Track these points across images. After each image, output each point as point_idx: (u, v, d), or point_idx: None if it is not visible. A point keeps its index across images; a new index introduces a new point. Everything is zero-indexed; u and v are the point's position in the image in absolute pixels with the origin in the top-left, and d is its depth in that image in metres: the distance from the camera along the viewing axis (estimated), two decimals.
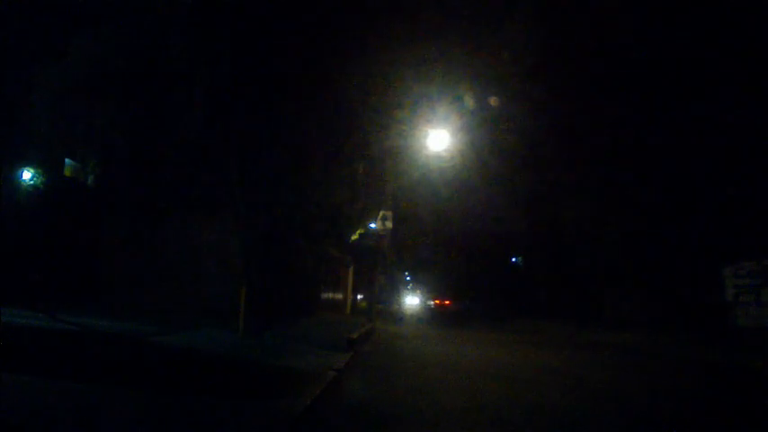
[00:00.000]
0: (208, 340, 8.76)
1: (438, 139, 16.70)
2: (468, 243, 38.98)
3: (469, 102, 16.72)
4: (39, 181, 12.02)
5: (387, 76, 14.43)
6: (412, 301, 59.24)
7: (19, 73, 10.64)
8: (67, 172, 12.85)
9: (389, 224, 19.82)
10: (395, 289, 52.58)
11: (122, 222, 12.76)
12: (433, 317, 32.69)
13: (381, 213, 19.84)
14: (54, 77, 10.86)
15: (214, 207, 12.40)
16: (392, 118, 16.15)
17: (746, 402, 6.68)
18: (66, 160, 12.73)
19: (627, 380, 8.37)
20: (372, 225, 21.56)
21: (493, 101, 17.36)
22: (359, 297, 30.20)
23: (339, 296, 24.26)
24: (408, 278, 64.19)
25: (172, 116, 12.09)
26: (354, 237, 22.55)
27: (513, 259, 40.34)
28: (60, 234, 11.95)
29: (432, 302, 54.12)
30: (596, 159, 23.27)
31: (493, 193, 28.33)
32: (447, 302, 47.86)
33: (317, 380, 6.02)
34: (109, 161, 12.85)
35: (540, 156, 24.37)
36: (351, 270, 27.11)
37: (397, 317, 30.28)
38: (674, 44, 17.99)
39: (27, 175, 11.93)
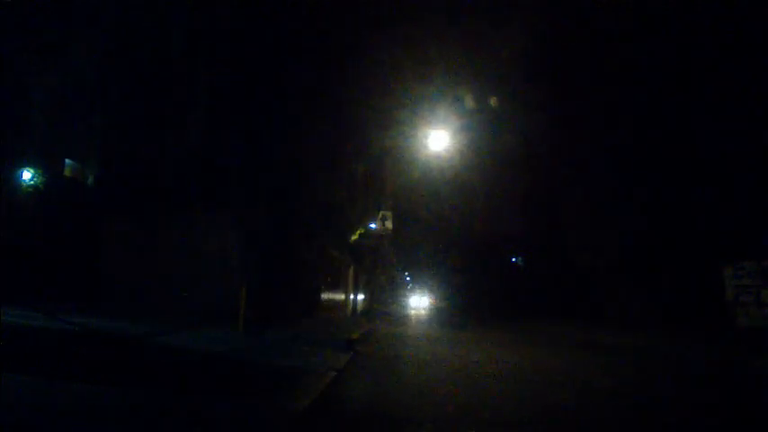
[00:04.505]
0: (208, 340, 8.75)
1: (438, 139, 16.70)
2: (468, 243, 39.00)
3: (469, 102, 16.74)
4: (39, 181, 12.01)
5: (387, 77, 14.45)
6: (415, 301, 59.38)
7: (19, 73, 10.63)
8: (67, 172, 12.83)
9: (389, 224, 19.83)
10: (395, 289, 52.65)
11: (122, 222, 12.74)
12: (433, 318, 32.67)
13: (381, 213, 19.86)
14: (54, 77, 10.86)
15: (214, 207, 12.39)
16: (392, 118, 16.17)
17: (746, 402, 6.67)
18: (66, 160, 12.72)
19: (628, 380, 8.36)
20: (372, 225, 21.56)
21: (493, 101, 17.38)
22: (359, 297, 30.17)
23: (339, 296, 24.23)
24: (408, 278, 64.20)
25: (172, 116, 12.09)
26: (354, 237, 22.55)
27: (513, 259, 40.30)
28: (60, 234, 11.94)
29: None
30: (596, 159, 23.27)
31: (493, 192, 28.37)
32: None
33: (318, 380, 6.01)
34: (109, 161, 12.83)
35: (540, 155, 24.39)
36: (351, 270, 27.08)
37: (398, 317, 30.25)
38: (675, 42, 17.99)
39: (27, 175, 11.93)
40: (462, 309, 38.82)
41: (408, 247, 36.23)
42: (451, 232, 36.61)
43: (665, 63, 19.02)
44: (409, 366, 8.83)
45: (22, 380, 4.43)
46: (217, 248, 12.50)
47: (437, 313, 39.70)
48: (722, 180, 18.47)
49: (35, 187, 11.96)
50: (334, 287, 22.59)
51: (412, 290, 68.39)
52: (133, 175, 12.51)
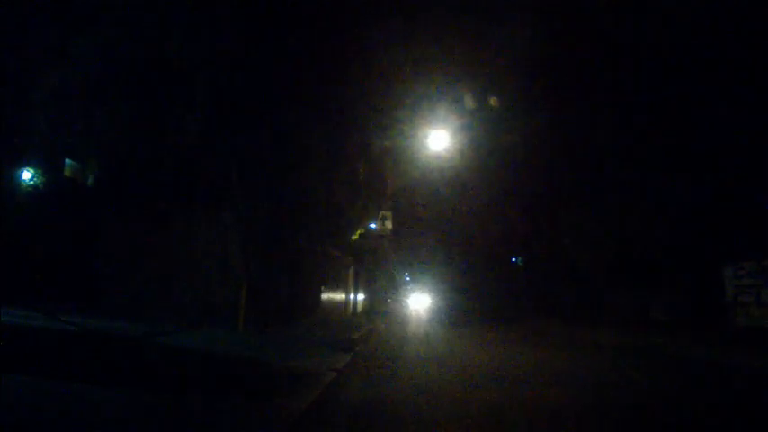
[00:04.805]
0: (208, 340, 8.76)
1: (438, 139, 16.71)
2: (469, 243, 38.98)
3: (469, 102, 16.73)
4: (39, 181, 12.01)
5: (387, 77, 14.45)
6: (415, 301, 59.31)
7: (19, 73, 10.63)
8: (67, 172, 12.83)
9: (389, 224, 19.86)
10: (395, 289, 52.64)
11: (122, 222, 12.73)
12: (433, 318, 32.69)
13: (381, 213, 19.89)
14: (54, 77, 10.85)
15: (214, 207, 12.39)
16: (392, 118, 16.18)
17: (746, 403, 6.67)
18: (67, 160, 12.71)
19: (629, 380, 8.37)
20: (372, 225, 21.58)
21: (493, 101, 17.37)
22: (359, 297, 30.16)
23: (339, 296, 24.23)
24: (408, 278, 64.23)
25: (172, 116, 12.09)
26: (354, 237, 22.57)
27: (513, 259, 40.28)
28: (60, 234, 11.93)
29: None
30: (596, 159, 23.27)
31: (493, 192, 28.37)
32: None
33: (318, 380, 6.02)
34: (109, 161, 12.82)
35: (540, 155, 24.38)
36: (351, 270, 27.08)
37: (398, 317, 30.25)
38: (676, 42, 17.99)
39: (27, 175, 11.92)
40: (462, 309, 38.84)
41: (408, 247, 36.24)
42: (452, 232, 36.63)
43: (667, 63, 19.01)
44: (409, 367, 8.83)
45: (22, 380, 4.43)
46: (217, 248, 12.50)
47: (437, 313, 39.71)
48: (722, 179, 18.45)
49: (35, 187, 11.95)
50: (334, 287, 22.60)
51: (412, 290, 68.37)
52: (133, 176, 12.50)
